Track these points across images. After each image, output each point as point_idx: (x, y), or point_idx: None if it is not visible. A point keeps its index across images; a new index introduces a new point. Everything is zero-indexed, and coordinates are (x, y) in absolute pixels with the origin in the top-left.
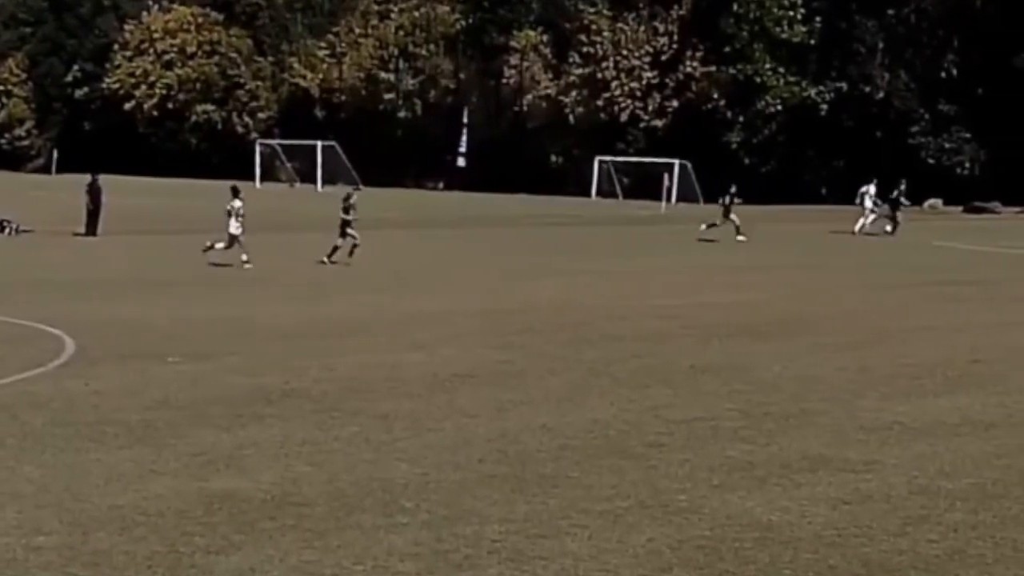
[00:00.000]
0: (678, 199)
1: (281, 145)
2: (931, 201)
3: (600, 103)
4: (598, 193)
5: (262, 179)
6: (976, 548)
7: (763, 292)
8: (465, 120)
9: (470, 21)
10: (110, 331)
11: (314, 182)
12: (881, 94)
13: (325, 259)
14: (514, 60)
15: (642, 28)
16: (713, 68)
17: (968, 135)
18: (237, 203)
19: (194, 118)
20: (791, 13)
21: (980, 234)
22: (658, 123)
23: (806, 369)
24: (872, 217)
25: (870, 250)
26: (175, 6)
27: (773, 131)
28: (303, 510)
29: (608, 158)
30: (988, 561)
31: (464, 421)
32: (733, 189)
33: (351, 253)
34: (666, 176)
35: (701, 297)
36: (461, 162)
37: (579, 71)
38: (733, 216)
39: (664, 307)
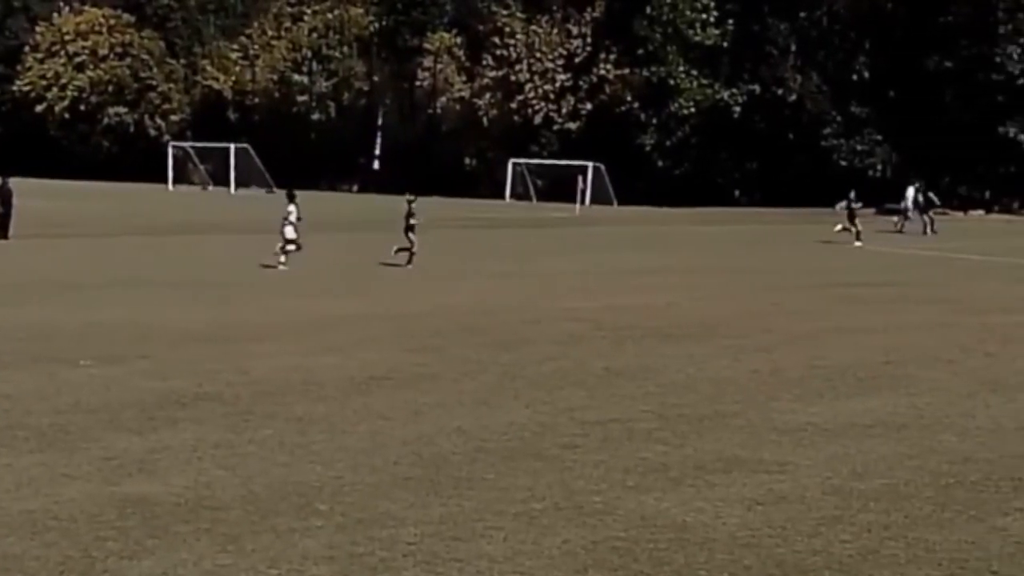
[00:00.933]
0: (592, 201)
1: (194, 148)
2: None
3: (514, 105)
4: (512, 195)
5: (175, 182)
6: (889, 548)
7: (676, 294)
8: (379, 122)
9: (384, 23)
10: (20, 334)
11: (227, 185)
12: (793, 96)
13: (405, 263)
14: (428, 62)
15: (555, 30)
16: (626, 70)
17: (880, 137)
18: (292, 208)
19: (106, 120)
20: (704, 16)
21: (892, 236)
22: (572, 125)
23: (719, 371)
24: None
25: (782, 252)
26: (86, 8)
27: (686, 133)
28: (217, 514)
29: (522, 160)
30: (901, 561)
31: (379, 424)
32: (852, 195)
33: (409, 261)
34: (580, 178)
35: (614, 300)
36: (375, 164)
37: (493, 73)
38: (857, 222)
39: (578, 310)
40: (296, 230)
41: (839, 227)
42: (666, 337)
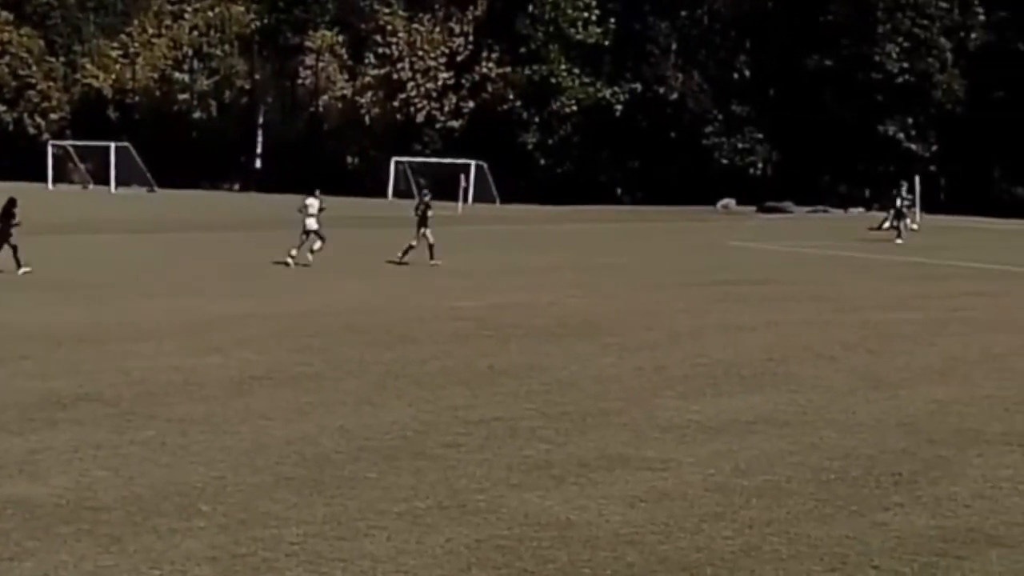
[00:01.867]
0: (475, 200)
1: (74, 146)
2: (724, 201)
3: (396, 104)
4: (395, 194)
5: (54, 181)
6: (771, 544)
7: (559, 293)
8: (261, 121)
9: (265, 21)
10: None
11: (108, 184)
12: (675, 95)
13: (433, 261)
14: (310, 61)
15: (437, 29)
16: (509, 69)
17: (761, 136)
18: (313, 200)
19: None
20: (586, 14)
21: (773, 233)
22: (454, 124)
23: (603, 369)
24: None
25: (664, 250)
26: None
27: (568, 132)
28: (99, 515)
29: (404, 159)
30: (783, 557)
31: (261, 424)
32: (904, 190)
33: (431, 256)
34: (463, 177)
35: (498, 298)
36: (256, 163)
37: (375, 72)
38: (905, 214)
39: (461, 308)
40: (318, 222)
41: (886, 225)
42: (550, 335)
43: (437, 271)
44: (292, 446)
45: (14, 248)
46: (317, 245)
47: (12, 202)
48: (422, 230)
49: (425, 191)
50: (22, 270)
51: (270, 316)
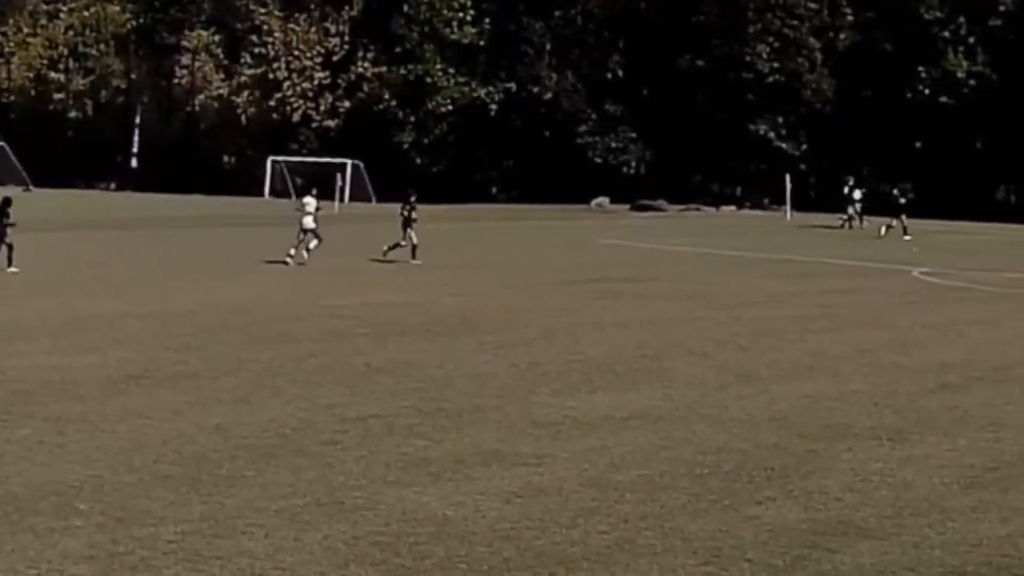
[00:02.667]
0: (351, 199)
1: None
2: (598, 199)
3: (272, 103)
4: (271, 193)
5: None
6: (645, 538)
7: (435, 291)
8: (137, 120)
9: (141, 21)
10: None
11: None
12: (549, 94)
13: (411, 257)
14: (186, 60)
15: (313, 29)
16: (384, 69)
17: (634, 135)
18: (310, 199)
19: None
20: (461, 15)
21: (645, 232)
22: (330, 123)
23: (479, 366)
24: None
25: (539, 248)
26: None
27: (444, 131)
28: None
29: (281, 158)
30: (657, 551)
31: (139, 423)
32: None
33: (413, 255)
34: (339, 176)
35: (375, 296)
36: (133, 162)
37: (251, 71)
38: (903, 216)
39: (338, 307)
40: (315, 220)
41: (883, 228)
42: (426, 333)
43: (311, 270)
44: (169, 445)
45: (9, 247)
46: (313, 244)
47: (7, 201)
48: (407, 230)
49: (412, 192)
50: (11, 269)
51: (147, 315)
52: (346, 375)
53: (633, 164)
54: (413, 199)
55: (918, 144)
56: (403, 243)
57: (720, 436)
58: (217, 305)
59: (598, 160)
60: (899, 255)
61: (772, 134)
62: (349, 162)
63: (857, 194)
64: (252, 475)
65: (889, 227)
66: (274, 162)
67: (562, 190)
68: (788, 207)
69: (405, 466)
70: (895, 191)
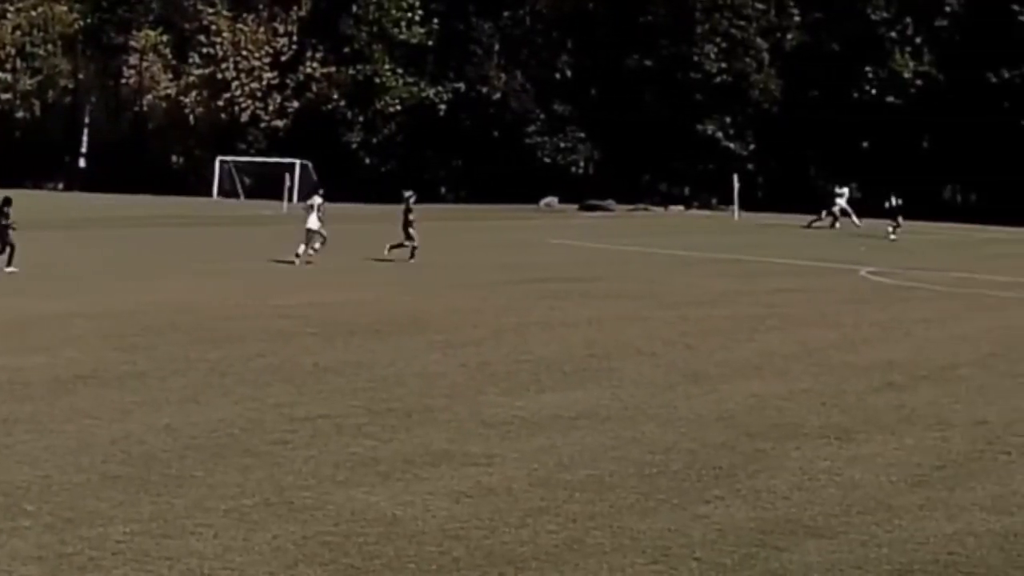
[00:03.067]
0: (300, 199)
1: None
2: (547, 199)
3: (221, 103)
4: (220, 193)
5: None
6: (594, 537)
7: (384, 290)
8: (87, 120)
9: (88, 21)
10: None
11: None
12: (498, 95)
13: (408, 257)
14: (134, 60)
15: (262, 29)
16: (333, 69)
17: (583, 135)
18: (317, 199)
19: None
20: (409, 15)
21: (594, 231)
22: (279, 123)
23: (428, 366)
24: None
25: (486, 248)
26: None
27: (392, 131)
28: None
29: (229, 158)
30: (606, 550)
31: (87, 423)
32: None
33: (412, 255)
34: (287, 176)
35: (324, 296)
36: (81, 162)
37: (199, 71)
38: (900, 218)
39: (287, 307)
40: (321, 220)
41: (890, 228)
42: (375, 332)
43: (260, 271)
44: (118, 445)
45: (11, 247)
46: (318, 244)
47: (7, 201)
48: (408, 230)
49: (408, 193)
50: (9, 269)
51: (95, 315)
52: (295, 375)
53: (581, 164)
54: (411, 200)
55: (865, 144)
56: (407, 243)
57: (669, 435)
58: (165, 305)
59: (547, 160)
60: (847, 255)
61: (720, 134)
62: (298, 162)
63: (844, 192)
64: (201, 475)
65: (896, 227)
66: (222, 162)
67: (511, 190)
68: (736, 207)
69: (354, 466)
70: (893, 196)
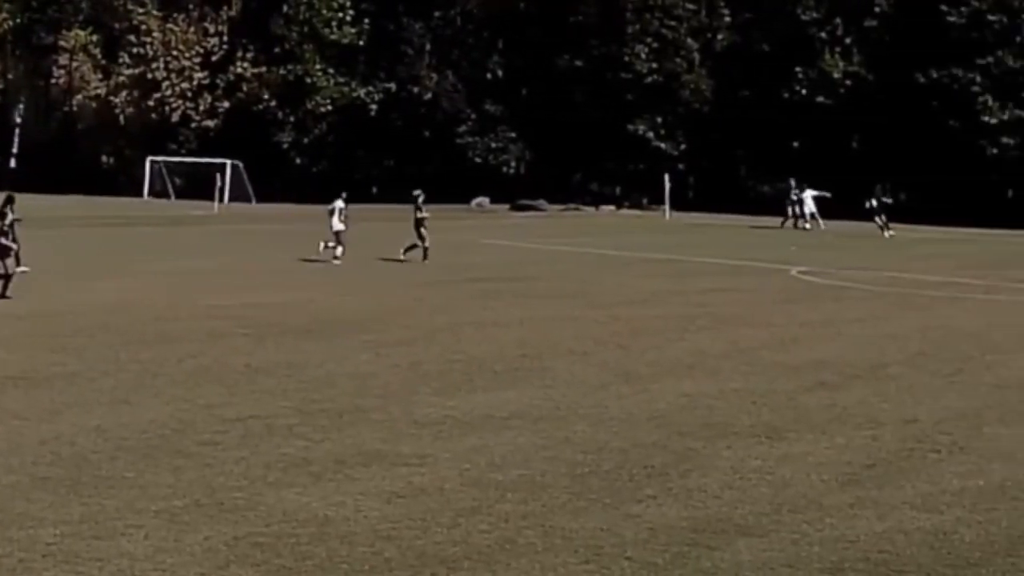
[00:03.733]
0: (231, 199)
1: None
2: (478, 199)
3: (151, 103)
4: (150, 193)
5: None
6: (526, 537)
7: (316, 291)
8: (19, 120)
9: (18, 21)
10: None
11: None
12: (429, 94)
13: (422, 259)
14: (64, 60)
15: (192, 29)
16: (264, 69)
17: (514, 135)
18: (339, 203)
19: None
20: (340, 15)
21: (526, 231)
22: (210, 123)
23: (360, 366)
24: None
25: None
26: None
27: (324, 131)
28: None
29: (160, 158)
30: (538, 549)
31: (16, 424)
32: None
33: (425, 256)
34: (218, 176)
35: (255, 297)
36: (12, 163)
37: (129, 71)
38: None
39: (218, 307)
40: (344, 223)
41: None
42: (307, 333)
43: (190, 272)
44: (48, 446)
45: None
46: (331, 244)
47: (10, 199)
48: (420, 230)
49: (417, 192)
50: (21, 268)
51: (24, 316)
52: (226, 376)
53: (513, 164)
54: (420, 198)
55: (795, 144)
56: (418, 244)
57: (601, 435)
58: (96, 305)
59: (478, 160)
60: (777, 254)
61: (651, 134)
62: (229, 162)
63: (808, 195)
64: (132, 476)
65: (887, 226)
66: (153, 162)
67: (443, 190)
68: (667, 207)
69: (286, 467)
70: (881, 195)
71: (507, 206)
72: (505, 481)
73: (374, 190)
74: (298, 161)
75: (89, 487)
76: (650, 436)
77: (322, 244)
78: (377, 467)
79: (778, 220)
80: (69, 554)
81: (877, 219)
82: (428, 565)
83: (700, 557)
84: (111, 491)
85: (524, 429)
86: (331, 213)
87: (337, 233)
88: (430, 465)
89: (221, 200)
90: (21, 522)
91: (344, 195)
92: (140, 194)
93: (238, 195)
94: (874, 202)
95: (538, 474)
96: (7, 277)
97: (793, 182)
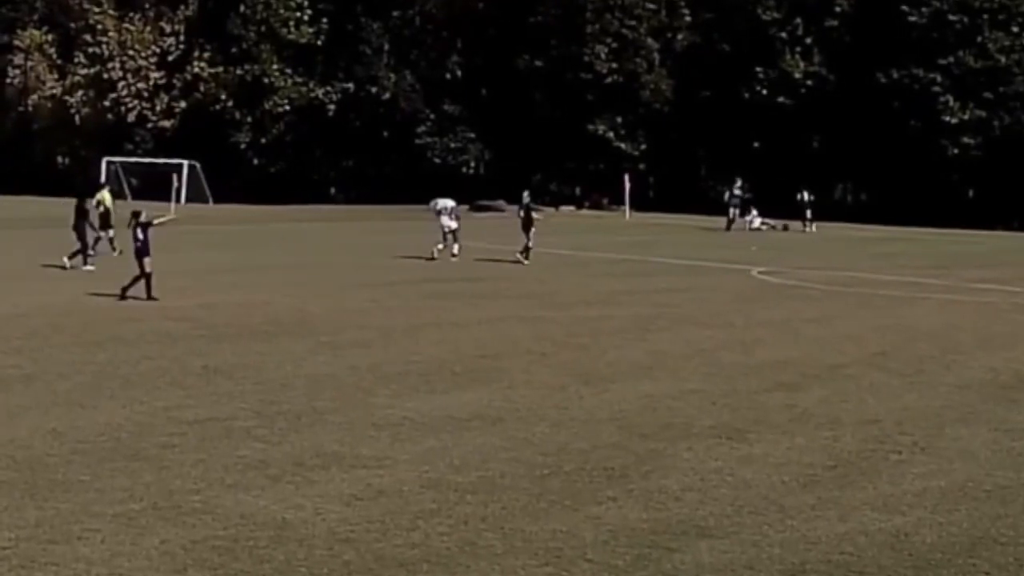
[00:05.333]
0: (187, 199)
1: None
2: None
3: (107, 103)
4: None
5: None
6: (486, 540)
7: (272, 292)
8: None
9: None
10: None
11: None
12: (388, 95)
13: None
14: (19, 60)
15: (148, 28)
16: (221, 69)
17: (473, 135)
18: (450, 203)
19: None
20: (298, 14)
21: (484, 232)
22: (166, 123)
23: (317, 367)
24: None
25: (375, 249)
26: None
27: (281, 131)
28: None
29: (116, 159)
30: (498, 552)
31: None
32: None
33: (526, 256)
34: (175, 177)
35: (212, 298)
36: None
37: (85, 71)
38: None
39: (174, 308)
40: (455, 220)
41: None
42: (263, 335)
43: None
44: (3, 449)
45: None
46: (441, 246)
47: (86, 198)
48: (529, 231)
49: (526, 193)
50: (79, 263)
51: None
52: (182, 377)
53: (472, 164)
54: (527, 200)
55: (756, 144)
56: (530, 244)
57: (561, 436)
58: (50, 307)
59: (437, 160)
60: (738, 255)
61: (611, 134)
62: (186, 163)
63: (737, 191)
64: (88, 479)
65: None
66: (109, 163)
67: (402, 191)
68: (627, 207)
69: (243, 469)
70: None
71: (466, 207)
72: (464, 483)
73: (332, 191)
74: (256, 161)
75: (45, 491)
76: (610, 437)
77: (436, 248)
78: (336, 469)
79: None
80: (24, 558)
81: (807, 213)
82: (387, 568)
83: (661, 559)
84: (67, 495)
85: (483, 430)
86: (439, 213)
87: (452, 232)
88: (389, 467)
89: (178, 201)
90: None
91: (450, 200)
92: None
93: (195, 195)
94: (806, 196)
95: (498, 476)
96: (147, 276)
97: (740, 181)
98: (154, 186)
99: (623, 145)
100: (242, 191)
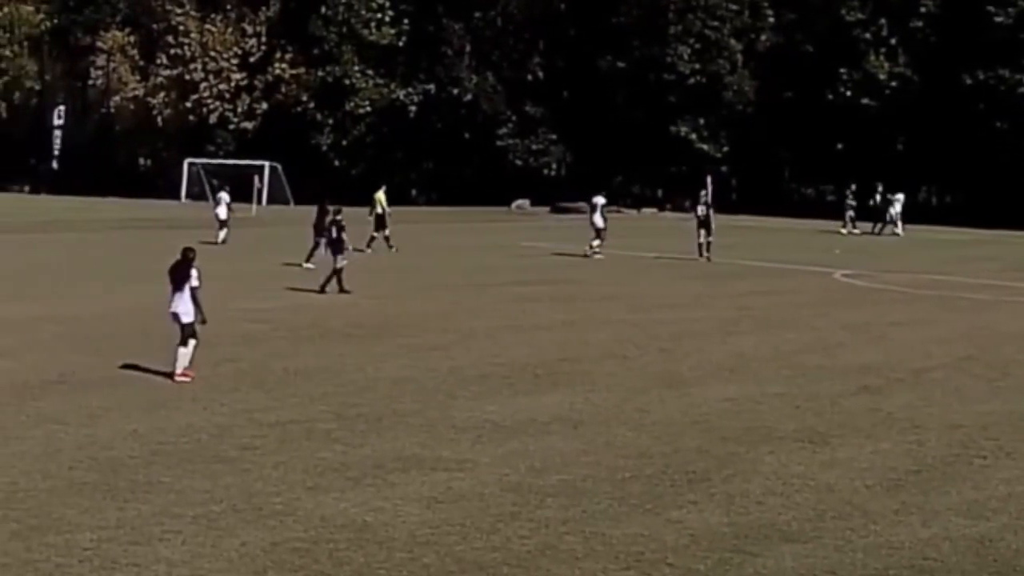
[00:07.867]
0: (269, 201)
1: None
2: (518, 202)
3: (189, 105)
4: (188, 196)
5: None
6: (566, 543)
7: (353, 294)
8: (59, 122)
9: (55, 21)
10: None
11: None
12: (469, 96)
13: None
14: (101, 61)
15: (230, 30)
16: (302, 70)
17: (554, 136)
18: (602, 200)
19: None
20: (379, 15)
21: (566, 234)
22: (248, 125)
23: (398, 370)
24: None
25: (457, 251)
26: None
27: (362, 133)
28: None
29: (198, 160)
30: (579, 555)
31: (54, 429)
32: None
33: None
34: (256, 178)
35: (293, 300)
36: (54, 164)
37: (167, 72)
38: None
39: (255, 310)
40: (604, 218)
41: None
42: (344, 337)
43: (224, 276)
44: (85, 451)
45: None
46: (596, 242)
47: (327, 203)
48: (601, 232)
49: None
50: (308, 264)
51: (62, 319)
52: (263, 380)
53: (554, 166)
54: (602, 202)
55: (840, 146)
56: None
57: (642, 440)
58: (134, 309)
59: (518, 162)
60: (821, 257)
61: (693, 135)
62: (267, 164)
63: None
64: (169, 481)
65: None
66: (190, 164)
67: (482, 192)
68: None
69: (324, 471)
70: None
71: (547, 208)
72: (545, 486)
73: (413, 193)
74: (337, 163)
75: (126, 492)
76: (692, 441)
77: (589, 246)
78: (416, 472)
79: (836, 224)
80: (106, 559)
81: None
82: (467, 571)
83: (743, 563)
84: (148, 496)
85: (565, 434)
86: (592, 209)
87: (600, 230)
88: (469, 470)
89: (259, 202)
90: (58, 527)
91: (604, 193)
92: (178, 196)
93: (276, 197)
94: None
95: (579, 479)
96: (338, 272)
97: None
98: (235, 188)
99: (705, 146)
100: (322, 193)
